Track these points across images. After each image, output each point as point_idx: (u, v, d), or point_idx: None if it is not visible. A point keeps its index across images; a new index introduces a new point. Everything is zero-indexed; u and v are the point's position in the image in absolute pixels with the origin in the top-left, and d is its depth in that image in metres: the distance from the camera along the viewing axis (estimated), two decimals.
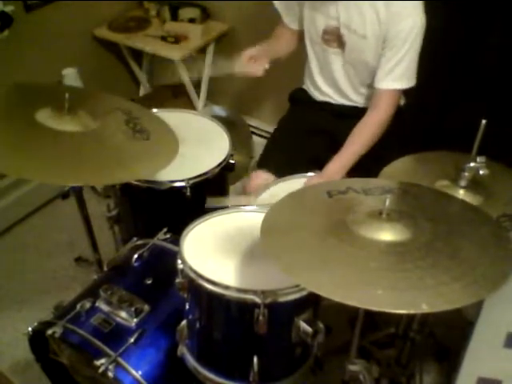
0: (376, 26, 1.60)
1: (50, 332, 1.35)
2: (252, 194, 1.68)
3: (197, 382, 1.32)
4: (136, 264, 1.53)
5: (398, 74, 1.63)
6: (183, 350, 1.34)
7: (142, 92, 3.07)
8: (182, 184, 1.62)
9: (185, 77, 2.70)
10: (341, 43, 1.70)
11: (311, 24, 1.75)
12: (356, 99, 1.83)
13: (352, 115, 1.74)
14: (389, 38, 1.60)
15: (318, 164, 1.71)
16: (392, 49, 1.60)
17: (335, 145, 1.71)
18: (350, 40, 1.67)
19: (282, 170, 1.75)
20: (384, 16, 1.57)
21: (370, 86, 1.74)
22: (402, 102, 1.87)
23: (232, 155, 1.76)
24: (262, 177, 1.78)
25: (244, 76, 1.77)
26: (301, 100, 1.98)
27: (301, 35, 1.86)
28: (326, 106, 1.89)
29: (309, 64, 1.87)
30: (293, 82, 2.02)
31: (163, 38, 2.60)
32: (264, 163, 1.84)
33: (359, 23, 1.62)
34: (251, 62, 1.75)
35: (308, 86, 1.95)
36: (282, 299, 1.14)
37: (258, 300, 1.11)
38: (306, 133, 1.88)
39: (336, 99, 1.86)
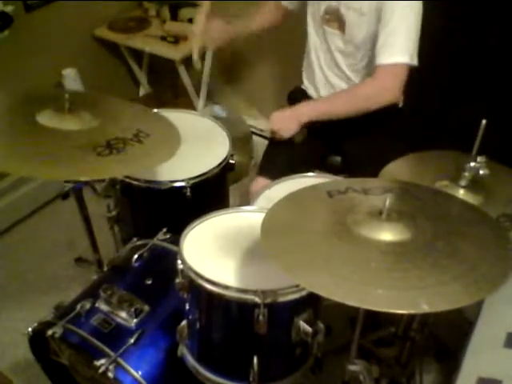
0: (372, 2, 1.59)
1: (50, 332, 1.35)
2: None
3: (197, 382, 1.32)
4: (136, 264, 1.53)
5: (392, 47, 1.59)
6: (183, 350, 1.34)
7: (141, 92, 3.07)
8: (182, 184, 1.62)
9: (185, 77, 2.70)
10: (341, 23, 1.70)
11: (314, 5, 1.76)
12: (356, 82, 1.80)
13: None
14: (382, 10, 1.59)
15: (318, 164, 1.71)
16: (385, 19, 1.58)
17: (334, 143, 1.71)
18: (349, 18, 1.67)
19: (281, 176, 1.74)
20: None
21: (370, 69, 1.72)
22: (401, 102, 1.86)
23: (232, 155, 1.76)
24: (262, 184, 1.78)
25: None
26: (299, 99, 1.98)
27: (288, 16, 1.90)
28: None
29: (312, 49, 1.86)
30: (292, 81, 2.02)
31: (163, 38, 2.60)
32: (264, 170, 1.84)
33: (358, 1, 1.62)
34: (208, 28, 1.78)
35: (307, 83, 1.95)
36: (282, 299, 1.14)
37: (257, 300, 1.11)
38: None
39: (336, 85, 1.84)
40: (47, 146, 1.34)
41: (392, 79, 1.63)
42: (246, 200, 1.81)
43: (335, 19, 1.71)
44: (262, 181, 1.79)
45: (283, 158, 1.85)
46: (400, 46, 1.60)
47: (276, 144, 1.93)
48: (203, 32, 1.76)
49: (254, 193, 1.77)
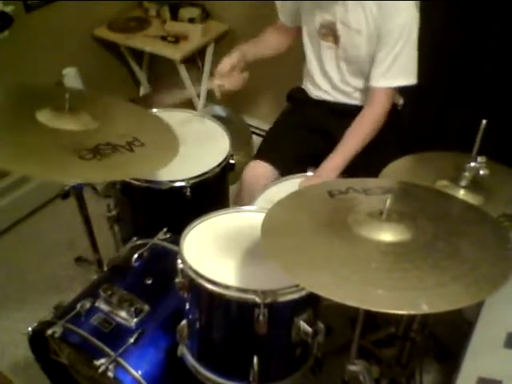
0: (370, 22, 1.61)
1: (49, 332, 1.35)
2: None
3: (197, 381, 1.32)
4: (136, 264, 1.53)
5: (393, 72, 1.64)
6: (183, 350, 1.34)
7: (142, 92, 3.07)
8: (182, 184, 1.63)
9: (185, 77, 2.70)
10: (336, 38, 1.71)
11: (309, 18, 1.76)
12: (351, 93, 1.82)
13: (350, 114, 1.75)
14: (381, 35, 1.60)
15: (316, 161, 1.72)
16: (385, 47, 1.61)
17: (333, 143, 1.72)
18: (344, 35, 1.68)
19: (280, 161, 1.75)
20: (376, 13, 1.59)
21: (364, 82, 1.75)
22: (401, 101, 1.87)
23: (232, 155, 1.76)
24: (259, 167, 1.78)
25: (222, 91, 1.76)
26: (298, 99, 1.98)
27: (294, 33, 1.89)
28: (324, 104, 1.90)
29: (306, 60, 1.87)
30: (292, 81, 2.02)
31: (163, 38, 2.60)
32: (262, 154, 1.84)
33: (354, 18, 1.63)
34: (229, 74, 1.74)
35: (306, 84, 1.95)
36: (282, 299, 1.14)
37: (258, 300, 1.11)
38: (303, 130, 1.88)
39: (333, 95, 1.86)
40: (35, 142, 1.33)
41: (388, 101, 1.70)
42: (242, 185, 1.81)
43: (330, 33, 1.72)
44: (258, 164, 1.79)
45: (282, 145, 1.85)
46: (401, 71, 1.64)
47: (278, 130, 1.93)
48: (224, 76, 1.75)
49: (249, 178, 1.76)
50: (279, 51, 1.95)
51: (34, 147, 1.32)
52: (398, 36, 1.58)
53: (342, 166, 1.68)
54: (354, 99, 1.83)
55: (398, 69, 1.63)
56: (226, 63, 1.74)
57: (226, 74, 1.73)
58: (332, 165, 1.68)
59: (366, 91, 1.74)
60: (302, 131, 1.88)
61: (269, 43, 1.92)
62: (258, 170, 1.78)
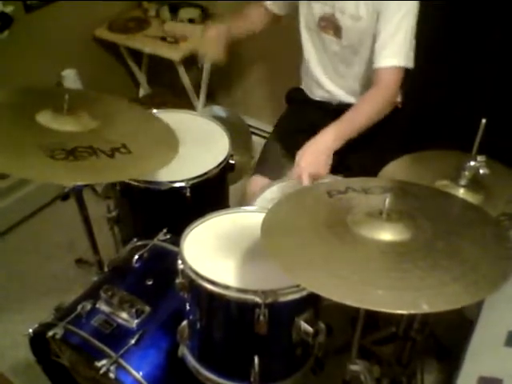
0: (369, 6, 1.60)
1: (50, 333, 1.35)
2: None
3: (198, 382, 1.32)
4: (136, 265, 1.53)
5: (393, 50, 1.58)
6: (184, 351, 1.34)
7: (141, 92, 3.07)
8: (182, 184, 1.62)
9: (184, 77, 2.70)
10: (337, 29, 1.70)
11: (308, 12, 1.75)
12: (356, 88, 1.81)
13: None
14: (381, 13, 1.58)
15: None
16: (384, 22, 1.58)
17: None
18: (345, 23, 1.67)
19: (278, 174, 1.74)
20: None
21: (370, 74, 1.72)
22: (399, 100, 1.86)
23: (232, 155, 1.76)
24: (260, 182, 1.77)
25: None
26: (297, 99, 1.98)
27: (275, 19, 1.90)
28: (323, 105, 1.89)
29: (306, 57, 1.86)
30: (292, 81, 2.02)
31: (163, 39, 2.60)
32: (261, 170, 1.84)
33: (352, 6, 1.62)
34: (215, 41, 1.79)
35: (305, 84, 1.95)
36: (283, 299, 1.14)
37: (258, 300, 1.11)
38: (302, 133, 1.88)
39: (334, 92, 1.85)
40: (18, 138, 1.33)
41: (395, 83, 1.61)
42: (244, 201, 1.81)
43: (331, 26, 1.71)
44: (258, 180, 1.79)
45: (279, 157, 1.84)
46: (401, 49, 1.59)
47: (273, 143, 1.93)
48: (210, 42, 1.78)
49: (250, 193, 1.76)
50: (256, 29, 1.95)
51: (15, 143, 1.32)
52: (396, 10, 1.55)
53: (341, 138, 1.55)
54: (356, 94, 1.82)
55: (399, 45, 1.58)
56: (213, 30, 1.78)
57: (212, 39, 1.78)
58: (331, 133, 1.55)
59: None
60: (301, 138, 1.87)
61: (251, 18, 1.92)
62: (260, 184, 1.77)
